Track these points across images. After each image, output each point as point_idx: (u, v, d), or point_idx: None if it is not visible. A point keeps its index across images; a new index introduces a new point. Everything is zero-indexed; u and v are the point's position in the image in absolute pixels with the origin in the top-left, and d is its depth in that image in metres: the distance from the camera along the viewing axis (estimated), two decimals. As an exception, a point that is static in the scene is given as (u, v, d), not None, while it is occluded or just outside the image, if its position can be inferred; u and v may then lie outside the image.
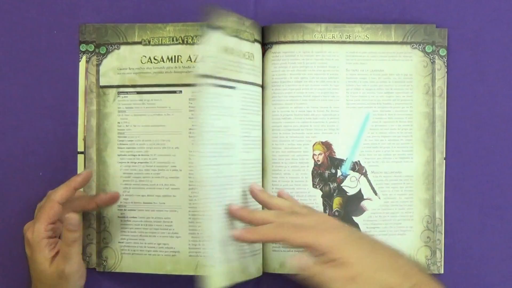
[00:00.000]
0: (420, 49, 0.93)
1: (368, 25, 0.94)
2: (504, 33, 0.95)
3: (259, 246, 0.91)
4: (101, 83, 0.94)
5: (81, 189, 0.93)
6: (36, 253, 0.85)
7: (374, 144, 0.93)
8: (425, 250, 0.93)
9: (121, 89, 0.93)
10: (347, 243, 0.76)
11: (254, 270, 0.90)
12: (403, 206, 0.93)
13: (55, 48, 0.95)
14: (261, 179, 0.92)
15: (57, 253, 0.86)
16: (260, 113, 0.93)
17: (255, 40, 0.91)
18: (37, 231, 0.85)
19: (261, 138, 0.92)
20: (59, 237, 0.88)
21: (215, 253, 0.80)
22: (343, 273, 0.73)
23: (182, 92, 0.92)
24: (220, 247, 0.81)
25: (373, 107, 0.93)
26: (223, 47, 0.84)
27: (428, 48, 0.93)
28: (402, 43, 0.93)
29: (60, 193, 0.87)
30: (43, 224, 0.85)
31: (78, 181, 0.89)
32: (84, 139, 0.94)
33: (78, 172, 0.94)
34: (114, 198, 0.91)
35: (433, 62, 0.93)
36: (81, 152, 0.94)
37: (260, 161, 0.92)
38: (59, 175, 0.94)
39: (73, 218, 0.84)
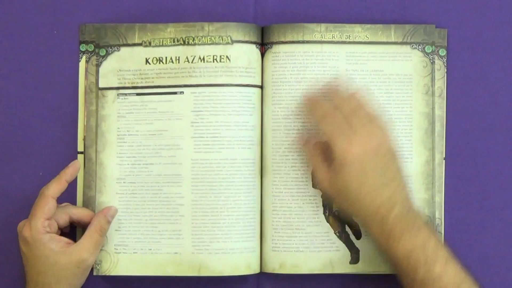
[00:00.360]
0: (420, 49, 0.93)
1: (368, 25, 0.94)
2: (504, 33, 0.95)
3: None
4: (101, 85, 0.94)
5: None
6: (38, 249, 0.85)
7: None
8: (425, 250, 0.93)
9: (121, 91, 0.93)
10: (361, 160, 0.82)
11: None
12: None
13: (55, 48, 0.95)
14: (255, 179, 0.92)
15: (65, 243, 0.87)
16: (254, 113, 0.92)
17: (235, 42, 0.92)
18: (34, 228, 0.85)
19: (254, 138, 0.92)
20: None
21: None
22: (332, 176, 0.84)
23: (184, 93, 0.92)
24: None
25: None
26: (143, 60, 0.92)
27: (428, 49, 0.93)
28: (401, 43, 0.94)
29: (52, 188, 0.87)
30: (40, 220, 0.85)
31: (68, 173, 0.89)
32: (84, 139, 0.94)
33: (79, 172, 0.94)
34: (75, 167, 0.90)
35: (432, 62, 0.93)
36: (81, 152, 0.94)
37: (254, 161, 0.92)
38: (59, 176, 0.95)
39: (113, 209, 0.91)
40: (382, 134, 0.85)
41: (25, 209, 0.93)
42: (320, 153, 0.87)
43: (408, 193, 0.84)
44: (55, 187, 0.87)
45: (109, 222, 0.91)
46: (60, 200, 0.91)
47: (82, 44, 0.95)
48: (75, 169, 0.90)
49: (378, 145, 0.83)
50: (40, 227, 0.85)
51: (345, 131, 0.83)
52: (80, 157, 0.94)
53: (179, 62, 0.92)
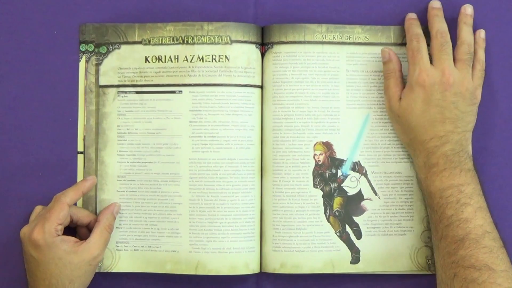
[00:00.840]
0: (420, 50, 0.94)
1: (368, 26, 0.94)
2: (504, 34, 0.95)
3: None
4: (101, 83, 0.94)
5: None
6: (51, 252, 0.85)
7: (374, 144, 0.93)
8: (426, 250, 0.93)
9: (121, 89, 0.93)
10: (431, 89, 0.87)
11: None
12: (403, 206, 0.93)
13: (55, 48, 0.95)
14: (254, 179, 0.92)
15: (75, 243, 0.87)
16: (253, 113, 0.93)
17: (234, 41, 0.92)
18: (48, 232, 0.85)
19: (253, 138, 0.92)
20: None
21: None
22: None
23: (182, 92, 0.92)
24: None
25: (373, 107, 0.93)
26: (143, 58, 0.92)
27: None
28: (401, 44, 0.94)
29: (69, 196, 0.87)
30: (53, 225, 0.85)
31: (86, 186, 0.90)
32: (84, 139, 0.94)
33: (78, 172, 0.94)
34: (93, 182, 0.91)
35: (432, 63, 0.94)
36: (81, 152, 0.94)
37: (252, 161, 0.92)
38: (59, 175, 0.94)
39: (118, 206, 0.92)
40: (462, 76, 0.88)
41: (25, 209, 0.93)
42: (400, 74, 0.91)
43: (465, 138, 0.88)
44: (72, 196, 0.88)
45: (115, 219, 0.92)
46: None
47: (82, 44, 0.95)
48: (92, 183, 0.91)
49: (452, 84, 0.87)
50: (53, 231, 0.85)
51: (425, 60, 0.88)
52: (80, 157, 0.94)
53: (178, 61, 0.93)
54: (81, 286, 0.87)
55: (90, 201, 0.94)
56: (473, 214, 0.83)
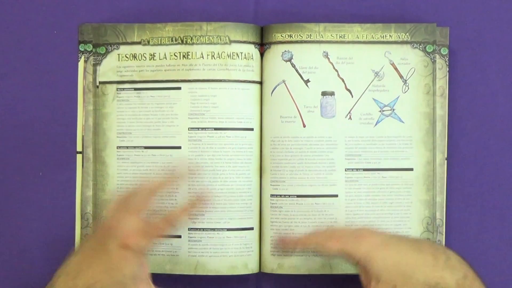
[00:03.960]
0: (421, 49, 0.93)
1: (368, 25, 0.93)
2: (506, 32, 0.94)
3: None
4: (100, 82, 0.94)
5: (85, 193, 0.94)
6: (129, 264, 0.77)
7: (374, 144, 0.93)
8: (425, 250, 0.92)
9: (120, 85, 0.94)
10: (384, 248, 0.79)
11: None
12: (402, 207, 0.93)
13: (55, 48, 0.96)
14: (253, 178, 0.93)
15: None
16: (252, 110, 0.92)
17: (233, 42, 0.92)
18: (145, 248, 0.79)
19: (252, 137, 0.92)
20: None
21: None
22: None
23: (181, 88, 0.93)
24: None
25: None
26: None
27: (429, 48, 0.93)
28: (402, 42, 0.93)
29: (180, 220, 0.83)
30: (150, 244, 0.81)
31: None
32: (83, 139, 0.95)
33: (78, 171, 0.95)
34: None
35: (434, 62, 0.93)
36: (80, 152, 0.95)
37: (251, 160, 0.92)
38: (59, 175, 0.95)
39: None
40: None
41: (25, 209, 0.94)
42: None
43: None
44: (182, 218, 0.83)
45: None
46: (57, 200, 0.93)
47: (81, 44, 0.95)
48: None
49: (390, 236, 0.82)
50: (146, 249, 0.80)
51: (353, 235, 0.81)
52: (79, 157, 0.95)
53: (177, 59, 0.93)
54: None
55: (88, 201, 0.94)
56: None
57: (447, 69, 0.94)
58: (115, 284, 0.75)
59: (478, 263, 0.90)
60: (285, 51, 0.93)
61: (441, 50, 0.93)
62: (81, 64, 0.95)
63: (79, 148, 0.95)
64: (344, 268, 0.92)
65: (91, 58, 0.94)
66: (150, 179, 0.91)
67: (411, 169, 0.92)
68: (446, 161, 0.93)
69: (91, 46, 0.95)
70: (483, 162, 0.93)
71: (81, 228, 0.94)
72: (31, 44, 0.96)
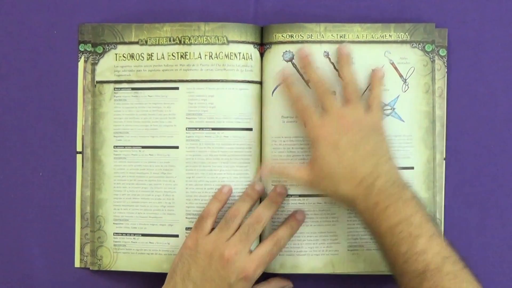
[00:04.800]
0: (420, 48, 0.93)
1: (368, 25, 0.93)
2: (504, 33, 0.94)
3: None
4: (97, 81, 0.94)
5: (86, 193, 0.94)
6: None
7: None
8: (427, 250, 0.92)
9: (117, 85, 0.94)
10: (333, 138, 0.84)
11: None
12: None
13: (54, 48, 0.96)
14: (251, 178, 0.92)
15: None
16: (251, 110, 0.92)
17: (230, 42, 0.92)
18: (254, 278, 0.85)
19: (252, 136, 0.92)
20: None
21: None
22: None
23: (179, 88, 0.92)
24: None
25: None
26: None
27: (428, 47, 0.93)
28: (401, 42, 0.93)
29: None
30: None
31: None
32: (82, 139, 0.95)
33: (78, 171, 0.95)
34: None
35: (433, 61, 0.93)
36: (80, 152, 0.95)
37: (249, 160, 0.92)
38: (59, 175, 0.95)
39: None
40: (357, 113, 0.86)
41: (25, 209, 0.94)
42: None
43: (393, 166, 0.84)
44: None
45: None
46: (57, 200, 0.93)
47: (81, 44, 0.95)
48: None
49: (351, 123, 0.85)
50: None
51: (315, 112, 0.86)
52: (79, 157, 0.95)
53: (174, 59, 0.93)
54: None
55: (87, 201, 0.94)
56: (428, 244, 0.78)
57: (446, 70, 0.94)
58: None
59: (477, 262, 0.91)
60: (286, 51, 0.93)
61: (440, 51, 0.94)
62: (81, 64, 0.95)
63: (79, 148, 0.95)
64: (346, 268, 0.92)
65: (90, 58, 0.94)
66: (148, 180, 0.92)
67: (412, 168, 0.92)
68: (444, 161, 0.93)
69: (91, 46, 0.95)
70: (482, 162, 0.93)
71: (81, 228, 0.95)
72: (31, 44, 0.96)
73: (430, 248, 0.78)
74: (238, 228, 0.86)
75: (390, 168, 0.84)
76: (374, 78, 0.91)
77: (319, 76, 0.89)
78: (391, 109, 0.93)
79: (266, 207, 0.88)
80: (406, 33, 0.93)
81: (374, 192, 0.81)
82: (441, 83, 0.94)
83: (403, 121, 0.93)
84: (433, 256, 0.77)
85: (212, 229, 0.88)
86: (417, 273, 0.77)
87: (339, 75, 0.92)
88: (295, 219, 0.89)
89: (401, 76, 0.93)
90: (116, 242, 0.93)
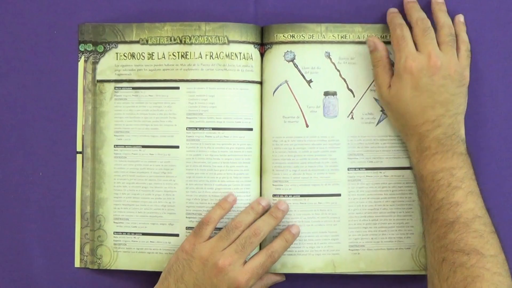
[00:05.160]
0: (420, 48, 0.93)
1: (369, 25, 0.93)
2: (504, 33, 0.94)
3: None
4: (98, 80, 0.94)
5: (86, 192, 0.93)
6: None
7: (376, 143, 0.93)
8: (428, 250, 0.92)
9: (118, 84, 0.94)
10: (418, 75, 0.86)
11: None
12: (404, 205, 0.92)
13: (55, 48, 0.96)
14: (253, 177, 0.92)
15: None
16: (252, 110, 0.92)
17: (231, 42, 0.92)
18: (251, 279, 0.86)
19: (252, 136, 0.92)
20: None
21: None
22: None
23: (180, 88, 0.92)
24: None
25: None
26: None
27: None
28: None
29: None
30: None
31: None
32: (83, 139, 0.94)
33: (78, 171, 0.94)
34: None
35: (434, 61, 0.93)
36: (80, 152, 0.94)
37: (249, 160, 0.92)
38: (59, 175, 0.95)
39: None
40: (448, 58, 0.87)
41: (25, 209, 0.94)
42: (388, 61, 0.91)
43: (457, 121, 0.87)
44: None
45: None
46: (57, 200, 0.93)
47: (81, 44, 0.95)
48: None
49: (439, 67, 0.86)
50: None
51: (410, 46, 0.88)
52: (79, 157, 0.94)
53: (175, 58, 0.92)
54: None
55: (87, 201, 0.94)
56: (464, 198, 0.82)
57: (446, 70, 0.94)
58: None
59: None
60: (288, 51, 0.92)
61: (440, 51, 0.94)
62: (81, 64, 0.95)
63: (79, 148, 0.94)
64: (347, 268, 0.92)
65: (91, 57, 0.94)
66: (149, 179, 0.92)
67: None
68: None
69: (91, 46, 0.94)
70: (482, 163, 0.93)
71: (81, 228, 0.94)
72: (31, 44, 0.96)
73: (465, 203, 0.82)
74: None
75: (452, 123, 0.86)
76: (458, 23, 0.92)
77: (422, 15, 0.90)
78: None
79: (266, 221, 0.89)
80: (407, 33, 0.93)
81: (429, 138, 0.85)
82: (441, 83, 0.94)
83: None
84: (466, 211, 0.81)
85: (211, 236, 0.88)
86: (446, 222, 0.81)
87: (340, 75, 0.92)
88: (290, 232, 0.90)
89: (402, 76, 0.93)
90: (116, 241, 0.93)
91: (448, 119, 0.86)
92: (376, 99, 0.93)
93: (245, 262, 0.86)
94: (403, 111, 0.87)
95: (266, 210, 0.90)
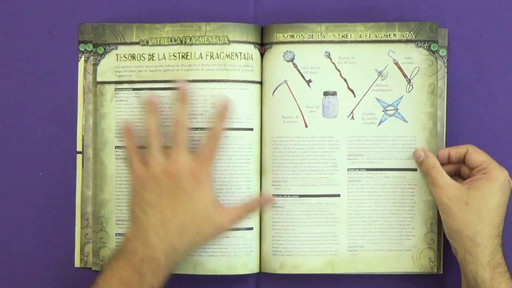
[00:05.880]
0: (425, 48, 0.92)
1: (371, 24, 0.92)
2: (504, 33, 0.94)
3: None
4: (98, 82, 0.94)
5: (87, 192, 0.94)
6: (201, 192, 0.84)
7: (377, 144, 0.92)
8: (429, 252, 0.92)
9: (118, 86, 0.94)
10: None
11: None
12: (406, 207, 0.92)
13: (55, 48, 0.96)
14: (253, 177, 0.92)
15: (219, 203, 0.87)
16: (252, 110, 0.92)
17: (231, 42, 0.91)
18: (210, 172, 0.86)
19: (252, 136, 0.92)
20: None
21: None
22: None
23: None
24: None
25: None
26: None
27: (434, 47, 0.92)
28: (406, 41, 0.92)
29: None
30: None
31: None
32: (83, 139, 0.95)
33: (78, 171, 0.94)
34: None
35: (437, 61, 0.92)
36: (80, 152, 0.95)
37: (250, 160, 0.92)
38: (59, 175, 0.95)
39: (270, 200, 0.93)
40: None
41: (25, 209, 0.94)
42: (439, 165, 0.89)
43: None
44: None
45: (259, 208, 0.92)
46: (57, 200, 0.94)
47: (81, 44, 0.95)
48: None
49: None
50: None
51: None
52: (79, 157, 0.95)
53: (176, 59, 0.92)
54: (177, 257, 0.84)
55: (88, 201, 0.94)
56: None
57: (446, 70, 0.93)
58: (201, 217, 0.84)
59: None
60: (287, 51, 0.92)
61: (440, 51, 0.93)
62: (81, 64, 0.95)
63: (79, 148, 0.95)
64: (346, 268, 0.92)
65: (91, 57, 0.94)
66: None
67: (415, 170, 0.92)
68: (445, 161, 0.93)
69: (91, 46, 0.94)
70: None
71: (81, 228, 0.94)
72: (31, 44, 0.96)
73: None
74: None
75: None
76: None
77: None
78: (394, 109, 0.92)
79: (179, 106, 0.87)
80: (411, 32, 0.92)
81: (500, 253, 0.84)
82: (441, 83, 0.93)
83: (407, 122, 0.92)
84: None
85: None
86: None
87: (340, 75, 0.91)
88: (222, 106, 0.89)
89: (405, 76, 0.92)
90: (118, 242, 0.93)
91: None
92: (378, 99, 0.92)
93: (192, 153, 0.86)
94: (485, 215, 0.84)
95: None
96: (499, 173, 0.85)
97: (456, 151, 0.89)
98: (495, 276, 0.83)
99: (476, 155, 0.87)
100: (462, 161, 0.89)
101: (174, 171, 0.84)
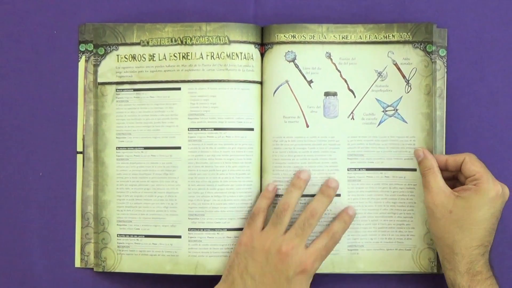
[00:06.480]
0: (421, 49, 0.92)
1: (371, 25, 0.93)
2: (504, 33, 0.94)
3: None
4: (99, 83, 0.94)
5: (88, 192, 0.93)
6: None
7: (377, 144, 0.92)
8: (428, 252, 0.92)
9: (119, 86, 0.94)
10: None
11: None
12: (405, 207, 0.92)
13: (55, 48, 0.96)
14: (253, 177, 0.92)
15: None
16: (252, 110, 0.92)
17: (232, 42, 0.92)
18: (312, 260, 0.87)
19: (253, 136, 0.92)
20: None
21: None
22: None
23: (181, 89, 0.92)
24: None
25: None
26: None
27: (429, 48, 0.92)
28: (404, 42, 0.93)
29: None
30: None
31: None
32: (83, 139, 0.94)
33: (78, 171, 0.95)
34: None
35: (434, 62, 0.93)
36: (80, 152, 0.94)
37: (250, 160, 0.92)
38: (59, 175, 0.95)
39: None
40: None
41: (25, 209, 0.94)
42: (438, 168, 0.89)
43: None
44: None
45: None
46: (57, 200, 0.93)
47: (81, 44, 0.95)
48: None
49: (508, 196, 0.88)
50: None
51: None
52: (80, 157, 0.94)
53: (176, 59, 0.92)
54: None
55: (88, 201, 0.94)
56: None
57: (445, 70, 0.94)
58: None
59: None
60: (289, 51, 0.92)
61: (440, 51, 0.93)
62: (81, 64, 0.95)
63: (79, 148, 0.95)
64: (346, 267, 0.92)
65: (92, 58, 0.94)
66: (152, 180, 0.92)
67: (415, 170, 0.92)
68: (445, 161, 0.93)
69: (92, 46, 0.94)
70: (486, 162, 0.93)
71: (81, 228, 0.94)
72: (31, 44, 0.96)
73: None
74: (290, 221, 0.88)
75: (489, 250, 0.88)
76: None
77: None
78: (394, 110, 0.92)
79: (320, 201, 0.90)
80: (409, 33, 0.92)
81: (481, 262, 0.85)
82: (440, 83, 0.94)
83: (406, 122, 0.92)
84: None
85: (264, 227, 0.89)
86: None
87: (341, 76, 0.92)
88: (347, 214, 0.91)
89: (404, 77, 0.93)
90: (119, 243, 0.93)
91: (488, 248, 0.87)
92: (378, 100, 0.92)
93: (307, 246, 0.87)
94: (467, 227, 0.85)
95: (307, 183, 0.91)
96: (490, 186, 0.85)
97: (453, 159, 0.88)
98: (473, 283, 0.84)
99: (471, 165, 0.87)
100: (459, 169, 0.89)
101: (287, 256, 0.86)
